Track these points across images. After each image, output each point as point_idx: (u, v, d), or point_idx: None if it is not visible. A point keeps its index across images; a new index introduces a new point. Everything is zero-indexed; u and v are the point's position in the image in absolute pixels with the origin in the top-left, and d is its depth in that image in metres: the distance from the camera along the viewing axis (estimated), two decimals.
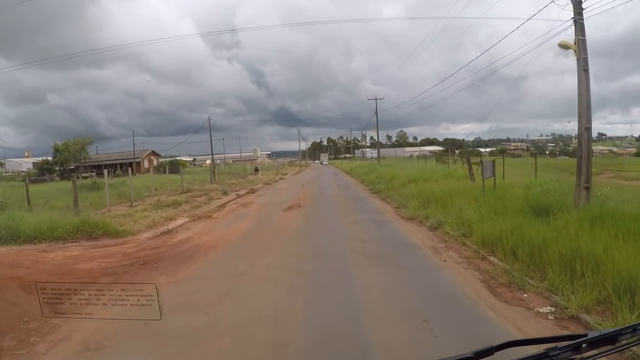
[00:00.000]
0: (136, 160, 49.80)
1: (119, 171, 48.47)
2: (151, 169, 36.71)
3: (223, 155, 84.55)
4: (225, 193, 19.00)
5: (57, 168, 51.54)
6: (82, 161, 52.14)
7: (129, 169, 48.07)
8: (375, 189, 17.29)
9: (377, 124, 34.79)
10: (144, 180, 25.05)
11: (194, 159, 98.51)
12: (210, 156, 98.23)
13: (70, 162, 52.82)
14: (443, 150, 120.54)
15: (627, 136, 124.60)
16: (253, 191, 21.10)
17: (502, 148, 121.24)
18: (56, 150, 52.02)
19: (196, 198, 18.14)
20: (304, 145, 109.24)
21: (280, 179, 33.32)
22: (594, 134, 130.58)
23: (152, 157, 54.28)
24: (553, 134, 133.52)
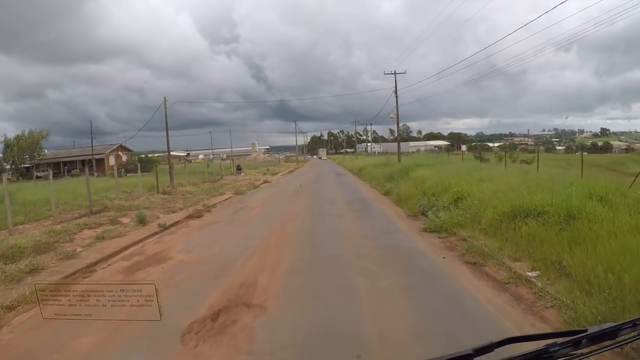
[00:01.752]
0: (97, 156, 40.38)
1: (75, 170, 39.26)
2: (115, 168, 27.52)
3: (211, 150, 77.07)
4: (141, 222, 9.78)
5: (7, 166, 41.95)
6: (37, 158, 42.87)
7: (93, 166, 38.83)
8: (436, 224, 7.91)
9: (397, 106, 25.14)
10: (69, 187, 16.54)
11: (188, 153, 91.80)
12: (205, 151, 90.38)
13: (25, 159, 43.47)
14: (449, 145, 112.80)
15: (631, 131, 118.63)
16: (199, 214, 11.91)
17: (511, 143, 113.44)
18: (6, 146, 42.43)
19: (73, 235, 9.21)
20: (304, 140, 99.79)
21: (265, 182, 24.04)
22: (597, 129, 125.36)
23: (120, 152, 44.55)
24: (556, 129, 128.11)
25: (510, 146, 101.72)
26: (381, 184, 16.81)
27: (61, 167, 40.78)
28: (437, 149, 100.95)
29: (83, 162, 40.75)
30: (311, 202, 13.35)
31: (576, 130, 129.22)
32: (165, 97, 22.34)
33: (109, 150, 43.28)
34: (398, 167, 19.74)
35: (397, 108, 25.99)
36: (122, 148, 44.83)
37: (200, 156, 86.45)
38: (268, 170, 37.18)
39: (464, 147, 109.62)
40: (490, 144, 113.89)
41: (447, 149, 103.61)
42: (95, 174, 34.43)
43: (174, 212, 12.39)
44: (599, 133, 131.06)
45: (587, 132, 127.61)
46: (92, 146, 38.45)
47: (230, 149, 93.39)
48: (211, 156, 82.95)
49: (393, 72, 25.89)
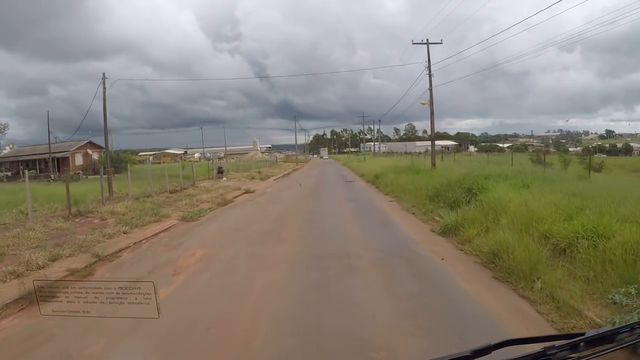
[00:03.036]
0: (60, 154, 33.63)
1: (33, 170, 32.49)
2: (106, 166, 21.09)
3: (202, 148, 71.88)
4: None
5: None
6: None
7: (55, 165, 32.17)
8: None
9: (431, 88, 17.47)
10: None
11: (185, 151, 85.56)
12: (201, 149, 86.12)
13: None
14: (457, 144, 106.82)
15: (637, 133, 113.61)
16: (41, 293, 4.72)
17: (522, 144, 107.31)
18: None
19: None
20: (305, 139, 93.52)
21: (245, 193, 17.14)
22: (600, 131, 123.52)
23: (89, 149, 37.64)
24: (560, 130, 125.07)
25: (521, 147, 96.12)
26: (423, 206, 9.94)
27: (19, 167, 34.14)
28: (446, 149, 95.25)
29: (46, 162, 33.95)
30: (300, 259, 6.33)
31: (581, 131, 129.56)
32: (104, 74, 15.60)
33: (75, 147, 36.24)
34: (439, 176, 12.78)
35: (431, 90, 18.61)
36: (92, 145, 37.88)
37: (196, 154, 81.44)
38: (259, 172, 30.30)
39: (472, 148, 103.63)
40: (501, 145, 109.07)
41: (457, 149, 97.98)
42: (52, 176, 27.74)
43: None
44: (605, 135, 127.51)
45: (592, 133, 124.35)
46: (49, 143, 31.57)
47: (233, 147, 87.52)
48: (208, 154, 75.10)
49: (425, 41, 18.60)
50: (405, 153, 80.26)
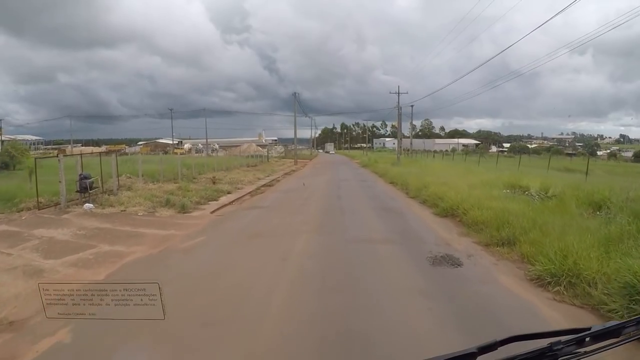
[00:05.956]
0: None
1: None
2: None
3: (176, 138, 60.39)
4: None
5: None
6: None
7: None
8: None
9: None
10: None
11: (180, 142, 78.44)
12: (197, 141, 74.60)
13: None
14: (477, 144, 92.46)
15: None
16: None
17: (552, 146, 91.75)
18: None
19: None
20: (312, 130, 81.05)
21: None
22: (616, 135, 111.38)
23: None
24: (574, 133, 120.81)
25: (559, 149, 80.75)
26: None
27: None
28: (465, 148, 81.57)
29: None
30: None
31: (595, 135, 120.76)
32: None
33: None
34: None
35: None
36: None
37: (186, 146, 71.57)
38: (214, 182, 15.34)
39: (493, 148, 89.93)
40: (528, 145, 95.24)
41: (485, 148, 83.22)
42: None
43: None
44: (621, 139, 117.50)
45: (607, 137, 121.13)
46: None
47: (229, 139, 78.07)
48: (200, 146, 66.93)
49: None
50: (425, 151, 68.03)
